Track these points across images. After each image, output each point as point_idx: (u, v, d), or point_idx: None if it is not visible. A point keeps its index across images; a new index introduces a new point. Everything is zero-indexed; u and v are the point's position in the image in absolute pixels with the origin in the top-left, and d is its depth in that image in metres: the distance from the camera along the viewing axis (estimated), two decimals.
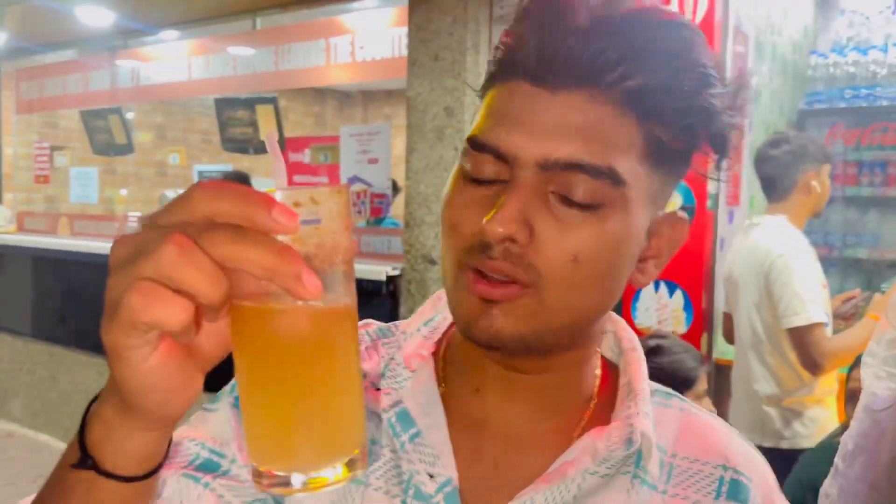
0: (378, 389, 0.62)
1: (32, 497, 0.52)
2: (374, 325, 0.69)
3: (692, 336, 2.45)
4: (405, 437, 0.59)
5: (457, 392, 0.62)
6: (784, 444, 2.17)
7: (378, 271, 3.23)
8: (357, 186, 3.67)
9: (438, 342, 0.65)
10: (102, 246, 4.54)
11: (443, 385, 0.62)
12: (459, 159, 0.57)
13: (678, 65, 0.52)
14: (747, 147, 2.77)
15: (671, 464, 0.60)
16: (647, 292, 2.51)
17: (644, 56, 0.52)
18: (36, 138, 5.27)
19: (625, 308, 2.55)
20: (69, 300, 4.76)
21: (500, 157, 0.53)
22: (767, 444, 2.18)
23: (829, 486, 1.03)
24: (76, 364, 4.60)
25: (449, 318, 0.65)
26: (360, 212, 3.71)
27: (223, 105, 3.96)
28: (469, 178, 0.55)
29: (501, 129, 0.53)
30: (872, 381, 0.97)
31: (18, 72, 5.22)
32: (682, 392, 1.77)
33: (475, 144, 0.54)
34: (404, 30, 3.24)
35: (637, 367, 0.64)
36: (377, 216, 3.75)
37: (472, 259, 0.53)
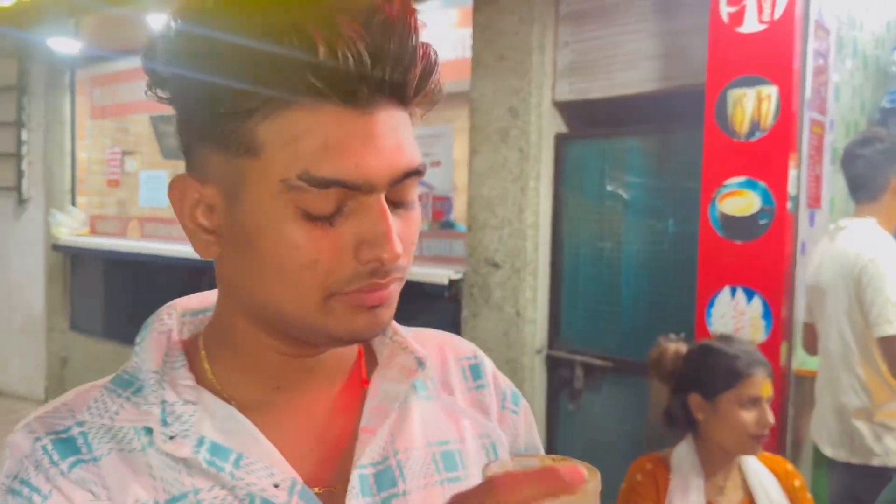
0: (172, 437, 0.57)
1: None
2: (99, 385, 0.63)
3: (771, 345, 2.33)
4: (230, 467, 0.58)
5: (250, 399, 0.62)
6: (875, 462, 2.04)
7: (440, 275, 3.20)
8: (419, 190, 3.65)
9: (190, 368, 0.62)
10: (171, 248, 4.64)
11: (232, 402, 0.61)
12: (273, 194, 0.54)
13: (436, 66, 0.56)
14: (828, 146, 2.64)
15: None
16: (723, 299, 2.41)
17: (425, 62, 0.54)
18: (109, 143, 5.43)
19: (699, 313, 2.45)
20: (139, 301, 4.88)
21: (353, 188, 0.53)
22: (856, 460, 2.06)
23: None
24: None
25: (179, 343, 0.63)
26: (422, 216, 3.70)
27: None
28: (309, 216, 0.54)
29: (346, 159, 0.53)
30: None
31: (93, 78, 5.39)
32: (724, 389, 1.67)
33: (321, 182, 0.52)
34: (468, 31, 3.20)
35: None
36: (439, 219, 3.72)
37: (350, 285, 0.55)
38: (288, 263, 0.55)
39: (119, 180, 5.33)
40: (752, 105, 2.36)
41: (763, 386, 1.63)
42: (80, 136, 5.38)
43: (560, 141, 3.07)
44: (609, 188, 2.96)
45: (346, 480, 0.61)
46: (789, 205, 2.34)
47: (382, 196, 0.55)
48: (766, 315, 2.36)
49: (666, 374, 1.74)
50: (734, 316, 2.41)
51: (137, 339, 0.63)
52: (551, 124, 3.07)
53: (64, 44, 4.94)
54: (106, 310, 5.17)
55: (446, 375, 0.71)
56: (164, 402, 0.59)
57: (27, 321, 5.73)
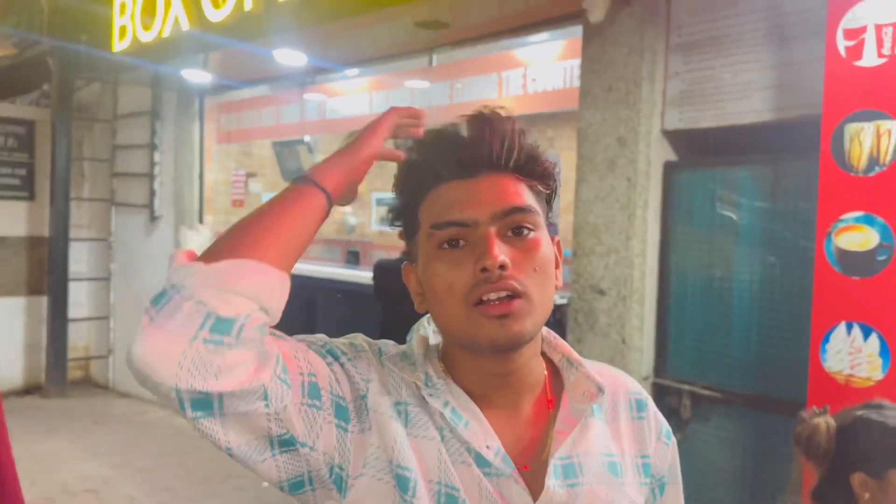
0: (430, 395, 0.84)
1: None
2: (389, 346, 0.92)
3: (890, 384, 2.28)
4: (461, 425, 0.83)
5: (474, 399, 0.87)
6: None
7: None
8: None
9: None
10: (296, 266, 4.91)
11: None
12: (427, 244, 0.84)
13: (529, 148, 0.86)
14: None
15: (605, 401, 0.92)
16: (839, 334, 2.38)
17: (509, 151, 0.84)
18: (233, 166, 5.81)
19: (813, 349, 2.43)
20: None
21: (463, 225, 0.81)
22: None
23: None
24: None
25: (430, 346, 0.91)
26: None
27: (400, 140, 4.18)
28: (442, 248, 0.82)
29: (456, 208, 0.82)
30: None
31: (219, 106, 5.78)
32: (893, 466, 1.59)
33: (441, 225, 0.82)
34: (575, 61, 3.28)
35: (564, 344, 0.93)
36: None
37: (477, 295, 0.80)
38: (438, 289, 0.83)
39: (244, 200, 5.69)
40: (871, 140, 2.32)
41: None
42: (208, 160, 5.78)
43: (669, 169, 3.09)
44: (719, 217, 2.96)
45: (539, 468, 0.84)
46: None
47: (488, 229, 0.81)
48: (884, 352, 2.31)
49: (820, 453, 1.63)
50: (850, 352, 2.37)
51: (408, 337, 0.92)
52: (660, 153, 3.10)
53: (194, 74, 5.34)
54: None
55: (616, 404, 0.93)
56: (426, 373, 0.86)
57: None
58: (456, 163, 0.83)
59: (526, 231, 0.83)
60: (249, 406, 0.74)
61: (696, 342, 3.01)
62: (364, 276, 4.09)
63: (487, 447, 0.82)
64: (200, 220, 5.79)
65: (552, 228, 0.89)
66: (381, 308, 3.38)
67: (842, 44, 2.39)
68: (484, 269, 0.79)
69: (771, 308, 2.79)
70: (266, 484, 0.86)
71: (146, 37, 4.72)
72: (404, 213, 0.89)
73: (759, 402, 2.75)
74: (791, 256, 2.73)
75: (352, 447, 0.81)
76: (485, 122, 0.84)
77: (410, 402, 0.84)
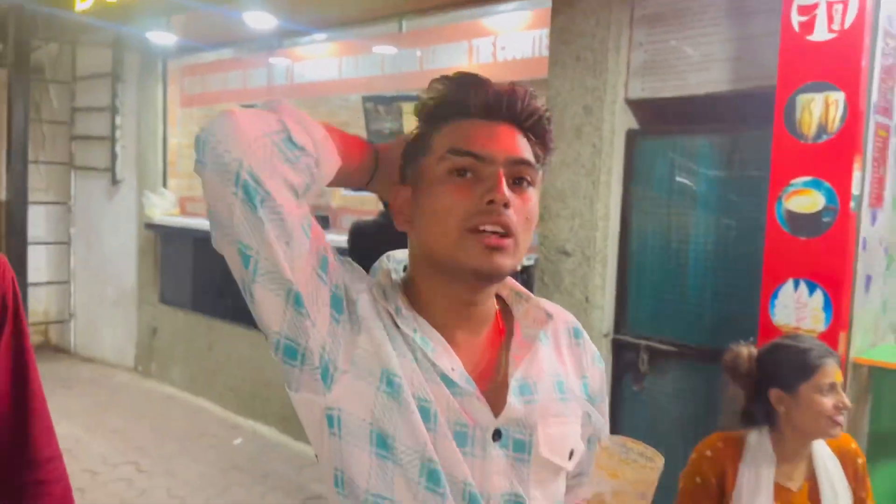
0: (403, 322, 0.93)
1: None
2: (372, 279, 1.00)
3: (831, 335, 2.49)
4: (429, 350, 0.92)
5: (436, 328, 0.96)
6: None
7: None
8: None
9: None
10: None
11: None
12: (436, 167, 0.92)
13: (546, 118, 0.96)
14: (892, 148, 2.76)
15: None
16: (787, 290, 2.57)
17: (529, 110, 0.94)
18: (197, 130, 5.76)
19: (763, 305, 2.62)
20: (227, 278, 5.21)
21: (479, 158, 0.90)
22: None
23: None
24: (231, 336, 5.07)
25: (393, 281, 0.99)
26: None
27: (370, 101, 4.25)
28: (454, 174, 0.90)
29: (477, 142, 0.91)
30: None
31: (183, 69, 5.73)
32: (802, 381, 1.82)
33: (460, 152, 0.91)
34: (544, 31, 3.39)
35: (513, 281, 1.03)
36: None
37: (475, 222, 0.88)
38: (437, 208, 0.90)
39: None
40: (820, 110, 2.50)
41: (836, 373, 1.78)
42: (171, 123, 5.74)
43: (631, 137, 3.24)
44: (678, 183, 3.13)
45: (497, 388, 0.94)
46: (852, 204, 2.49)
47: (500, 169, 0.90)
48: (827, 307, 2.51)
49: (742, 375, 1.87)
50: (796, 307, 2.57)
51: (370, 274, 1.01)
52: (623, 121, 3.25)
53: (157, 36, 5.28)
54: (193, 284, 5.53)
55: (557, 332, 1.05)
56: (397, 304, 0.95)
57: (120, 294, 6.16)
58: (484, 104, 0.92)
59: (526, 184, 0.93)
60: (285, 220, 0.84)
61: (654, 300, 3.20)
62: (336, 239, 4.18)
63: (452, 369, 0.91)
64: (164, 185, 5.77)
65: None
66: None
67: (795, 19, 2.55)
68: (491, 202, 0.88)
69: (724, 268, 2.98)
70: (239, 440, 0.96)
71: None
72: (419, 139, 0.96)
73: (711, 356, 2.94)
74: (744, 220, 2.92)
75: (342, 341, 0.89)
76: (513, 84, 0.95)
77: (389, 325, 0.92)
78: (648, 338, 3.17)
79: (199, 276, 5.48)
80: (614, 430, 3.57)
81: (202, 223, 5.41)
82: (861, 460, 1.89)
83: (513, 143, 0.92)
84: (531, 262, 3.41)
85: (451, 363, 0.92)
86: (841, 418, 1.77)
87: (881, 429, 2.77)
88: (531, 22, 3.60)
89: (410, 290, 0.98)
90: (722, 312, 2.98)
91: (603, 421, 1.07)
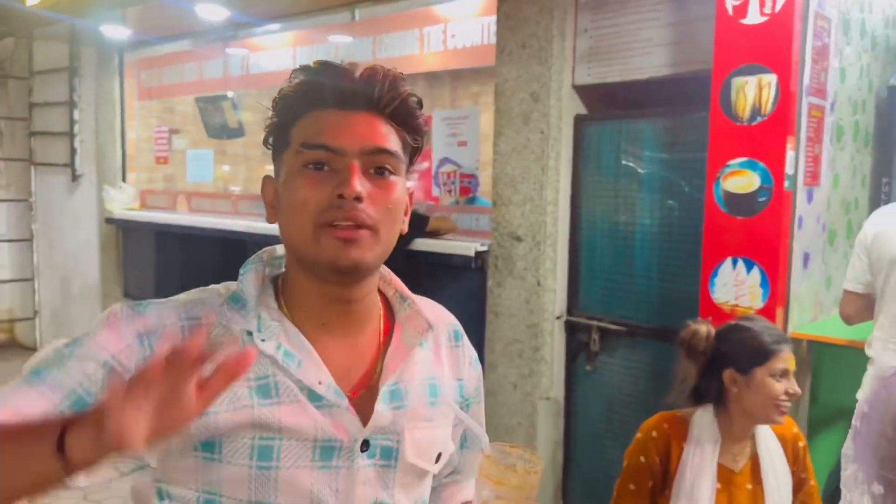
0: (263, 340, 0.89)
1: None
2: (219, 299, 0.94)
3: (768, 310, 2.57)
4: (294, 366, 0.89)
5: (307, 329, 0.93)
6: None
7: (467, 247, 3.46)
8: (447, 167, 3.90)
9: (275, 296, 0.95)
10: (216, 221, 4.96)
11: (295, 324, 0.93)
12: (293, 161, 0.89)
13: (410, 101, 0.92)
14: (828, 127, 2.84)
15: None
16: (726, 269, 2.64)
17: (389, 96, 0.90)
18: (156, 123, 5.74)
19: (703, 283, 2.69)
20: (188, 270, 5.21)
21: (332, 151, 0.87)
22: None
23: (847, 448, 1.18)
24: None
25: (268, 279, 0.96)
26: (450, 191, 3.95)
27: None
28: (309, 167, 0.88)
29: (329, 134, 0.88)
30: (881, 353, 1.07)
31: (139, 62, 5.68)
32: (757, 364, 1.86)
33: (311, 146, 0.88)
34: (493, 18, 3.42)
35: (397, 280, 1.03)
36: (466, 195, 3.97)
37: (328, 217, 0.86)
38: (293, 203, 0.88)
39: (167, 157, 5.64)
40: (754, 92, 2.56)
41: (791, 360, 1.82)
42: (129, 117, 5.69)
43: (579, 122, 3.29)
44: (624, 166, 3.19)
45: (369, 393, 0.93)
46: (786, 183, 2.55)
47: (354, 161, 0.87)
48: (764, 284, 2.59)
49: (698, 353, 1.90)
50: (735, 285, 2.64)
51: (241, 271, 0.96)
52: (571, 107, 3.29)
53: (113, 29, 5.23)
54: (156, 278, 5.51)
55: (438, 335, 1.04)
56: (259, 316, 0.91)
57: (83, 289, 6.12)
58: (339, 93, 0.89)
59: (387, 173, 0.90)
60: None
61: (604, 282, 3.26)
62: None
63: (320, 382, 0.89)
64: (124, 178, 5.73)
65: (410, 178, 0.98)
66: None
67: (729, 3, 2.60)
68: (340, 196, 0.85)
69: (669, 248, 3.05)
70: None
71: None
72: (277, 130, 0.93)
73: (659, 334, 3.02)
74: (687, 201, 2.98)
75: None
76: (375, 68, 0.91)
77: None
78: (599, 318, 3.24)
79: (162, 270, 5.46)
80: (570, 408, 3.60)
81: (163, 216, 5.39)
82: (802, 443, 1.94)
83: (370, 131, 0.89)
84: (485, 248, 3.46)
85: (319, 375, 0.90)
86: (788, 405, 1.81)
87: (820, 401, 2.86)
88: (481, 9, 3.63)
89: (286, 286, 0.95)
90: (668, 291, 3.05)
91: (476, 424, 1.01)
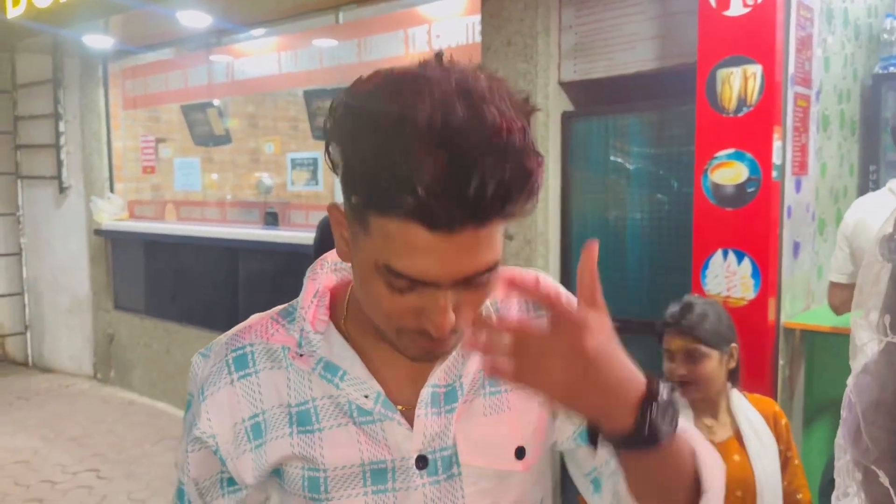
0: (301, 355, 0.83)
1: None
2: (273, 313, 0.89)
3: (760, 301, 2.57)
4: (337, 380, 0.82)
5: (363, 341, 0.84)
6: None
7: None
8: None
9: (331, 306, 0.86)
10: (205, 229, 4.94)
11: (350, 338, 0.84)
12: (369, 260, 0.71)
13: (529, 187, 0.67)
14: (814, 116, 2.84)
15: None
16: (716, 261, 2.64)
17: (511, 189, 0.65)
18: (142, 132, 5.71)
19: (695, 275, 2.69)
20: (179, 280, 5.19)
21: (420, 283, 0.69)
22: None
23: (839, 437, 1.18)
24: (188, 338, 5.04)
25: (328, 287, 0.87)
26: None
27: (312, 96, 4.24)
28: (393, 290, 0.71)
29: (419, 266, 0.67)
30: (860, 335, 1.04)
31: (124, 71, 5.65)
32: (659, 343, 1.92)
33: (397, 274, 0.69)
34: (478, 17, 3.41)
35: None
36: None
37: (411, 331, 0.74)
38: (375, 307, 0.74)
39: (154, 167, 5.62)
40: (739, 83, 2.57)
41: (674, 342, 1.91)
42: (115, 127, 5.66)
43: (566, 119, 3.29)
44: (612, 162, 3.19)
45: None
46: (774, 173, 2.56)
47: (447, 293, 0.70)
48: (755, 274, 2.59)
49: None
50: (727, 276, 2.64)
51: (303, 283, 0.87)
52: (558, 103, 3.29)
53: (96, 39, 5.21)
54: (146, 289, 5.49)
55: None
56: (302, 329, 0.84)
57: (74, 302, 6.09)
58: (443, 214, 0.64)
59: (484, 278, 0.72)
60: None
61: None
62: (285, 235, 4.18)
63: (366, 396, 0.81)
64: (111, 189, 5.70)
65: None
66: None
67: None
68: (426, 331, 0.73)
69: (660, 243, 3.05)
70: None
71: (42, 2, 4.58)
72: (348, 185, 0.70)
73: (652, 328, 3.00)
74: (676, 194, 2.98)
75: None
76: (499, 161, 0.64)
77: (290, 378, 0.83)
78: None
79: (152, 281, 5.43)
80: None
81: (152, 226, 5.37)
82: (784, 421, 1.96)
83: (471, 255, 0.68)
84: None
85: (365, 388, 0.82)
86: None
87: (815, 389, 2.86)
88: (465, 8, 3.62)
89: (354, 299, 0.84)
90: (659, 285, 3.05)
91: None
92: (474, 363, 0.85)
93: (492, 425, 0.85)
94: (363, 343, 0.83)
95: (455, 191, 0.63)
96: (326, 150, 0.72)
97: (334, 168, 0.72)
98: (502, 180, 0.64)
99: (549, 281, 0.91)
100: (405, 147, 0.63)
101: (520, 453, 0.86)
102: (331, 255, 0.89)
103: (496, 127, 0.64)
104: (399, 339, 0.76)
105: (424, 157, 0.62)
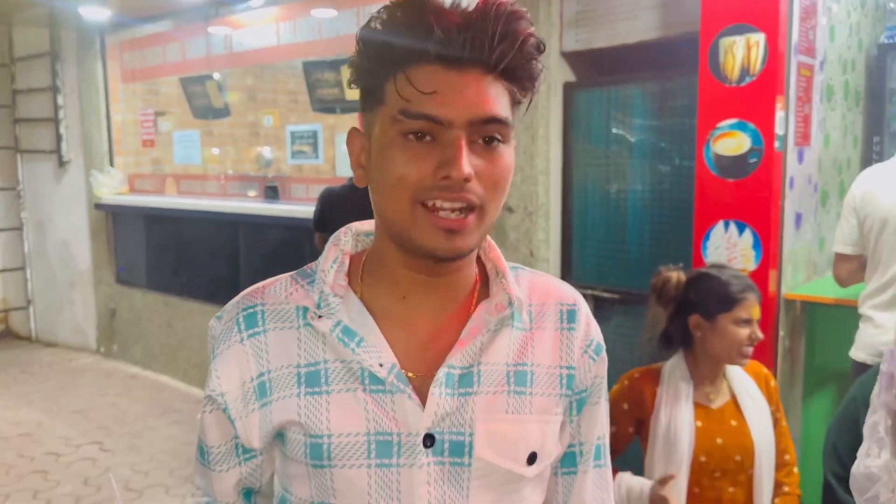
0: (320, 317, 0.83)
1: None
2: (292, 273, 0.90)
3: (761, 272, 2.56)
4: (353, 345, 0.81)
5: (382, 306, 0.84)
6: None
7: None
8: None
9: (348, 273, 0.87)
10: (207, 203, 4.92)
11: (366, 305, 0.85)
12: (389, 127, 0.76)
13: (527, 50, 0.76)
14: (818, 86, 2.81)
15: (530, 310, 0.88)
16: (718, 232, 2.63)
17: (509, 42, 0.74)
18: (141, 105, 5.67)
19: (696, 247, 2.68)
20: (180, 254, 5.19)
21: (437, 122, 0.74)
22: None
23: (873, 395, 1.18)
24: (189, 312, 5.05)
25: (348, 255, 0.88)
26: None
27: (311, 68, 4.20)
28: (406, 136, 0.75)
29: (435, 101, 0.74)
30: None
31: (122, 43, 5.60)
32: (722, 311, 1.91)
33: (413, 115, 0.74)
34: None
35: (496, 252, 0.89)
36: None
37: (429, 196, 0.75)
38: (388, 177, 0.76)
39: (154, 140, 5.58)
40: (742, 52, 2.53)
41: (755, 309, 1.86)
42: (114, 100, 5.62)
43: (568, 90, 3.26)
44: (614, 133, 3.16)
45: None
46: (777, 144, 2.54)
47: (461, 133, 0.74)
48: (756, 246, 2.58)
49: (668, 299, 1.95)
50: (727, 247, 2.63)
51: (324, 248, 0.88)
52: (559, 74, 3.26)
53: (92, 11, 5.15)
54: (148, 263, 5.49)
55: (543, 314, 0.88)
56: (322, 291, 0.84)
57: (75, 276, 6.09)
58: (446, 43, 0.73)
59: (497, 142, 0.76)
60: None
61: (597, 250, 3.25)
62: (286, 209, 4.16)
63: (381, 365, 0.80)
64: (111, 163, 5.68)
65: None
66: (319, 237, 3.42)
67: None
68: (446, 177, 0.74)
69: (661, 214, 3.04)
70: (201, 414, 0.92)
71: None
72: (367, 79, 0.79)
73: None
74: (678, 165, 2.96)
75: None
76: (487, 6, 0.74)
77: (301, 339, 0.84)
78: (593, 287, 3.23)
79: (153, 254, 5.43)
80: None
81: (152, 200, 5.35)
82: (773, 383, 1.98)
83: (480, 97, 0.74)
84: None
85: (381, 356, 0.81)
86: (750, 350, 1.86)
87: (816, 360, 2.87)
88: None
89: (370, 257, 0.87)
90: (661, 257, 3.04)
91: (593, 426, 0.92)
92: (500, 353, 0.84)
93: (511, 423, 0.83)
94: (379, 307, 0.84)
95: (466, 35, 0.73)
96: (350, 82, 0.81)
97: (362, 95, 0.81)
98: (506, 33, 0.73)
99: (568, 289, 0.92)
100: (421, 4, 0.75)
101: (531, 459, 0.85)
102: (355, 225, 0.90)
103: (496, 5, 0.74)
104: (416, 224, 0.76)
105: (440, 10, 0.74)
